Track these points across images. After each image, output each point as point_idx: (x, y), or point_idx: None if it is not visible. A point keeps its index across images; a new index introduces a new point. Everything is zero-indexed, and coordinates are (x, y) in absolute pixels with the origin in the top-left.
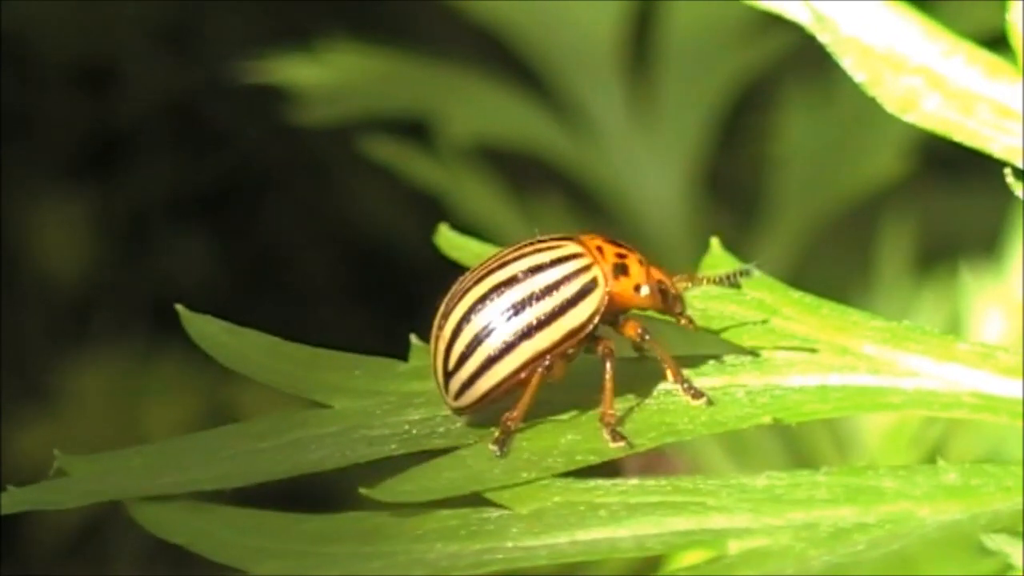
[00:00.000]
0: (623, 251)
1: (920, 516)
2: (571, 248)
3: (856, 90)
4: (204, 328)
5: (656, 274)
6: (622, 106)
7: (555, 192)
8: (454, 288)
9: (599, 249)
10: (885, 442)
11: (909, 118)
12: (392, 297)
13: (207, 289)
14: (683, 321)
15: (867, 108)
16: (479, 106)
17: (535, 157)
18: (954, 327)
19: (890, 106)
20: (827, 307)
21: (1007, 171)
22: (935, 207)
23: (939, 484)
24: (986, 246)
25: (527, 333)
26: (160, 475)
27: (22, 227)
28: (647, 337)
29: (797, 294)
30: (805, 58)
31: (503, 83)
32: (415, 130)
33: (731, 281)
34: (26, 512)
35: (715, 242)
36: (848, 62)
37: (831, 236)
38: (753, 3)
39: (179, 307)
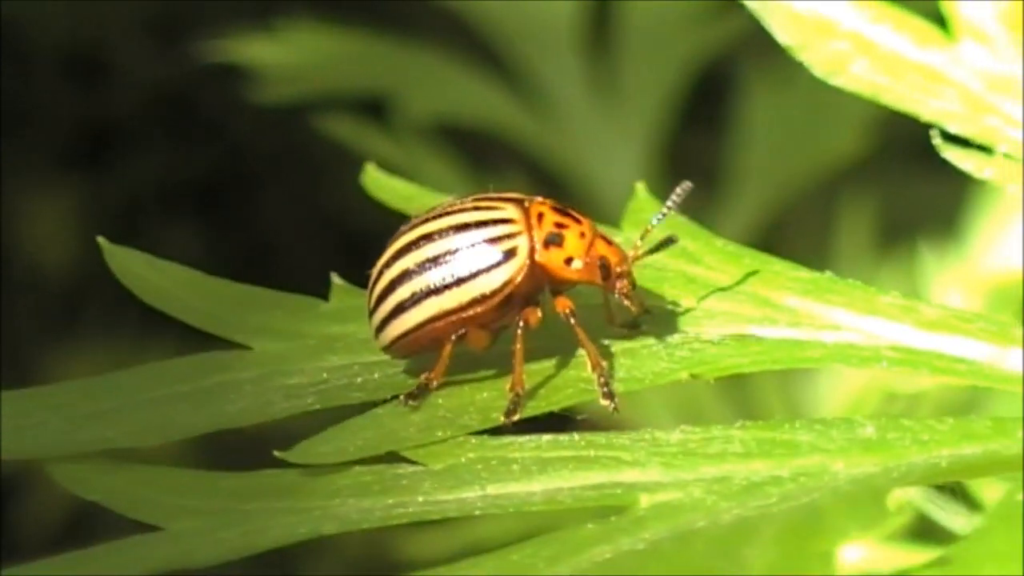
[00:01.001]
0: (566, 221)
1: (834, 470)
2: (504, 212)
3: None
4: (127, 262)
5: (601, 249)
6: (583, 85)
7: (516, 172)
8: (396, 233)
9: (539, 216)
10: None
11: (836, 81)
12: None
13: None
14: (627, 301)
15: (828, 89)
16: (440, 85)
17: (496, 136)
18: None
19: (817, 69)
20: (750, 256)
21: (933, 132)
22: (896, 186)
23: (854, 438)
24: (947, 225)
25: (436, 289)
26: (78, 429)
27: (13, 217)
28: (572, 321)
29: (720, 242)
30: (766, 38)
31: (464, 62)
32: (377, 109)
33: (667, 244)
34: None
35: (640, 187)
36: (775, 26)
37: (792, 215)
38: None
39: (100, 240)
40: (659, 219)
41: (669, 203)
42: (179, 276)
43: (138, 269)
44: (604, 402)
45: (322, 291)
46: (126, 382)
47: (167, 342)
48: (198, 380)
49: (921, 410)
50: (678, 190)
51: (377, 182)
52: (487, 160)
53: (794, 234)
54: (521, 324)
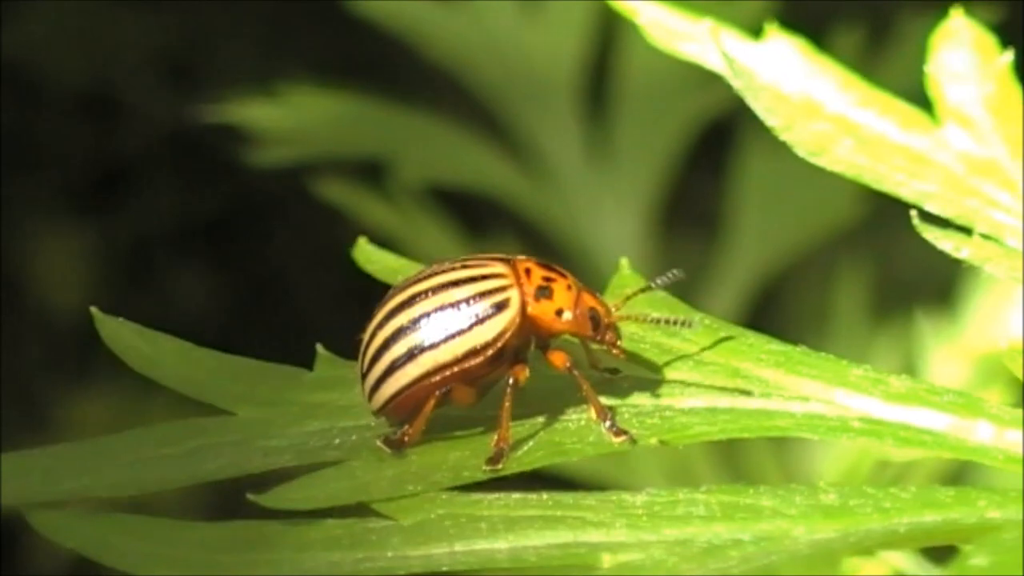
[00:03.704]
0: (552, 275)
1: (794, 534)
2: (492, 268)
3: None
4: (117, 332)
5: (589, 301)
6: (579, 148)
7: (512, 235)
8: (386, 296)
9: (527, 271)
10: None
11: (819, 161)
12: None
13: (208, 319)
14: (614, 351)
15: None
16: (438, 148)
17: (493, 200)
18: (908, 372)
19: (800, 149)
20: (725, 329)
21: (913, 213)
22: (893, 249)
23: (816, 504)
24: (942, 291)
25: (432, 345)
26: (59, 480)
27: (24, 256)
28: (574, 372)
29: (698, 316)
30: None
31: (460, 124)
32: (372, 171)
33: (667, 323)
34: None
35: (624, 262)
36: (761, 108)
37: (787, 280)
38: (669, 50)
39: (93, 309)
40: (642, 291)
41: (656, 282)
42: (167, 346)
43: (127, 338)
44: (617, 439)
45: (330, 330)
46: (111, 446)
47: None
48: (182, 443)
49: (915, 477)
50: (669, 274)
51: (368, 255)
52: (483, 223)
53: (790, 297)
54: (511, 382)
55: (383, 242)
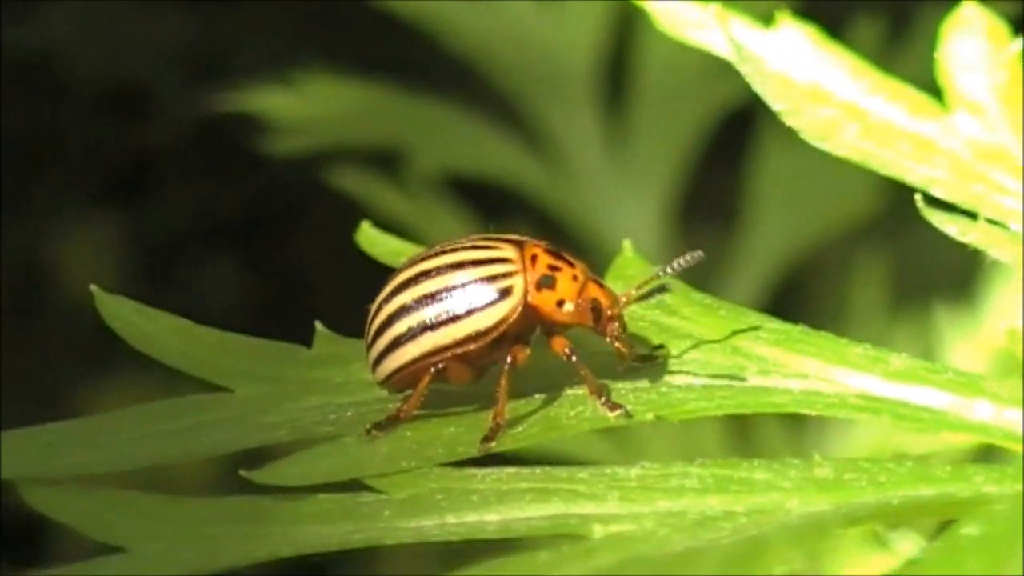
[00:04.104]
0: (559, 264)
1: (787, 507)
2: (500, 252)
3: None
4: (117, 309)
5: (593, 292)
6: (597, 139)
7: (527, 225)
8: (396, 270)
9: (533, 258)
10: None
11: (825, 146)
12: None
13: (235, 314)
14: (616, 344)
15: None
16: (453, 137)
17: (510, 190)
18: None
19: (806, 134)
20: (725, 308)
21: (918, 196)
22: (912, 241)
23: (811, 477)
24: (961, 284)
25: (432, 325)
26: (57, 456)
27: (51, 251)
28: (573, 359)
29: (698, 295)
30: None
31: (477, 114)
32: (389, 161)
33: (661, 291)
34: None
35: (627, 244)
36: (768, 93)
37: (805, 273)
38: (679, 38)
39: (93, 287)
40: (657, 275)
41: (672, 266)
42: (167, 323)
43: (127, 315)
44: (612, 413)
45: (357, 324)
46: (109, 422)
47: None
48: (180, 419)
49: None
50: (688, 256)
51: (371, 239)
52: (500, 214)
53: (808, 290)
54: (509, 360)
55: (399, 232)
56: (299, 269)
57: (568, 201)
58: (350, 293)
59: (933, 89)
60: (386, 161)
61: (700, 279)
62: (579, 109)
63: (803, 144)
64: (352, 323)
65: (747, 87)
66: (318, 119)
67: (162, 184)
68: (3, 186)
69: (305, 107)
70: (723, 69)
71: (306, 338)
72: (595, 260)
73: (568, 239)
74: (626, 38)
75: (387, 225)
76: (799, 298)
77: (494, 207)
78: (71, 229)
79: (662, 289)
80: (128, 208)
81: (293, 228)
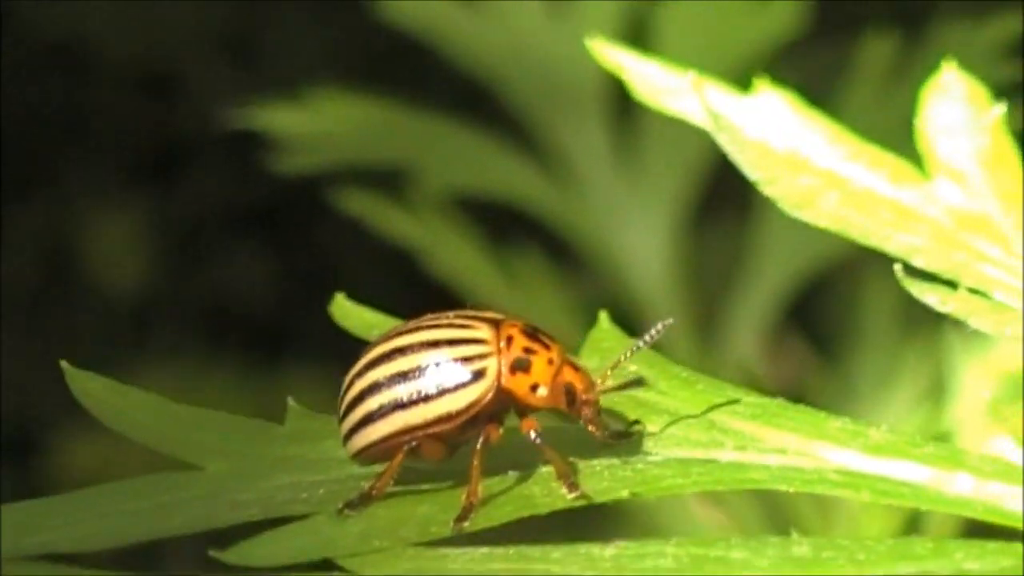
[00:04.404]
0: (534, 346)
1: None
2: (475, 331)
3: None
4: (87, 385)
5: (568, 376)
6: (606, 155)
7: (535, 245)
8: (370, 344)
9: (509, 339)
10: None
11: (803, 216)
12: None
13: (263, 301)
14: (591, 427)
15: None
16: (460, 154)
17: (517, 207)
18: (937, 388)
19: (784, 203)
20: (703, 383)
21: (897, 267)
22: None
23: (788, 555)
24: None
25: (404, 404)
26: (29, 535)
27: (79, 235)
28: (538, 442)
29: (676, 368)
30: None
31: (485, 132)
32: (395, 179)
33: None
34: None
35: (603, 316)
36: (744, 162)
37: (816, 291)
38: (652, 104)
39: (63, 363)
40: (634, 351)
41: (645, 339)
42: (138, 399)
43: (97, 392)
44: (571, 495)
45: (384, 307)
46: (82, 500)
47: (231, 365)
48: (153, 497)
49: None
50: (658, 326)
51: (345, 311)
52: (508, 233)
53: (819, 308)
54: (482, 440)
55: (406, 253)
56: (328, 253)
57: (577, 218)
58: (378, 277)
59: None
60: (393, 179)
61: (710, 297)
62: (588, 126)
63: None
64: (381, 307)
65: None
66: (327, 136)
67: (191, 168)
68: (32, 170)
69: (314, 124)
70: (735, 87)
71: (331, 325)
72: (605, 278)
73: (577, 256)
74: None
75: (395, 246)
76: (809, 316)
77: (502, 225)
78: (100, 214)
79: (640, 382)
80: (157, 192)
81: (322, 214)
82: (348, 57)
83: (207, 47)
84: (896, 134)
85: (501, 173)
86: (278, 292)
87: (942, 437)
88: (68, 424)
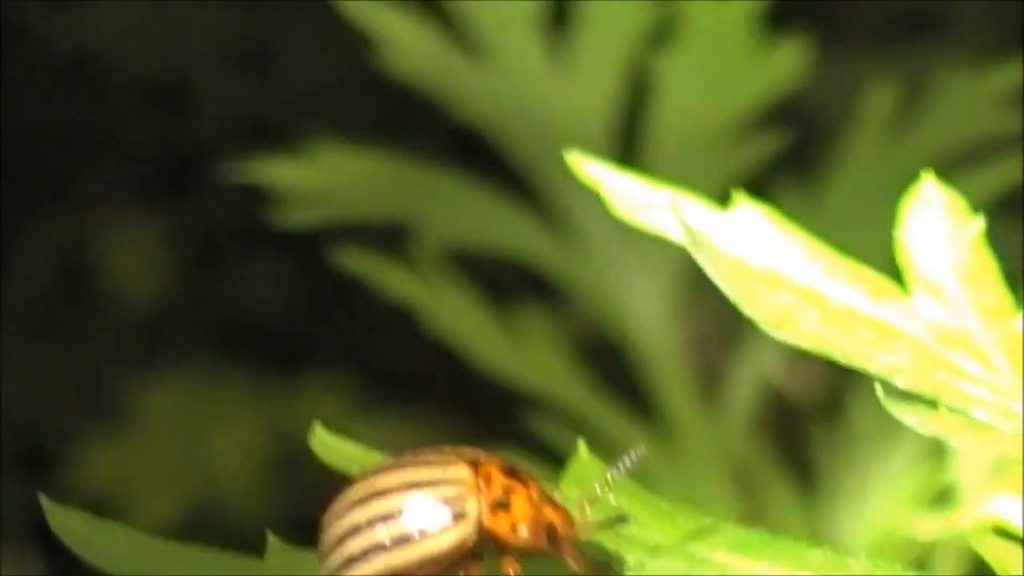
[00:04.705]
0: (514, 484)
1: None
2: (453, 472)
3: (847, 194)
4: (67, 522)
5: (549, 515)
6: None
7: (535, 300)
8: (348, 486)
9: (487, 478)
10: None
11: (782, 336)
12: None
13: (279, 313)
14: (573, 564)
15: (857, 212)
16: (461, 208)
17: (518, 262)
18: (940, 442)
19: (763, 323)
20: (684, 515)
21: (877, 386)
22: None
23: None
24: None
25: (386, 547)
26: None
27: (95, 247)
28: None
29: (656, 500)
30: (796, 160)
31: (486, 184)
32: (399, 234)
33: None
34: None
35: (582, 445)
36: (721, 279)
37: None
38: (628, 220)
39: (42, 497)
40: (610, 483)
41: (618, 468)
42: (117, 535)
43: (77, 528)
44: None
45: (399, 326)
46: None
47: (246, 376)
48: None
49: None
50: (631, 454)
51: (325, 444)
52: (509, 288)
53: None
54: None
55: (406, 310)
56: (342, 267)
57: (580, 273)
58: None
59: (946, 166)
60: (393, 234)
61: (713, 349)
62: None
63: (820, 212)
64: (397, 324)
65: (761, 156)
66: (326, 190)
67: (208, 180)
68: (48, 181)
69: (313, 177)
70: (736, 138)
71: (352, 337)
72: (608, 333)
73: (579, 311)
74: (638, 105)
75: (394, 303)
76: (811, 371)
77: (503, 280)
78: (116, 226)
79: (622, 519)
80: (173, 204)
81: (339, 227)
82: (344, 112)
83: (222, 59)
84: (899, 185)
85: (502, 227)
86: (294, 304)
87: (943, 493)
88: (85, 436)
